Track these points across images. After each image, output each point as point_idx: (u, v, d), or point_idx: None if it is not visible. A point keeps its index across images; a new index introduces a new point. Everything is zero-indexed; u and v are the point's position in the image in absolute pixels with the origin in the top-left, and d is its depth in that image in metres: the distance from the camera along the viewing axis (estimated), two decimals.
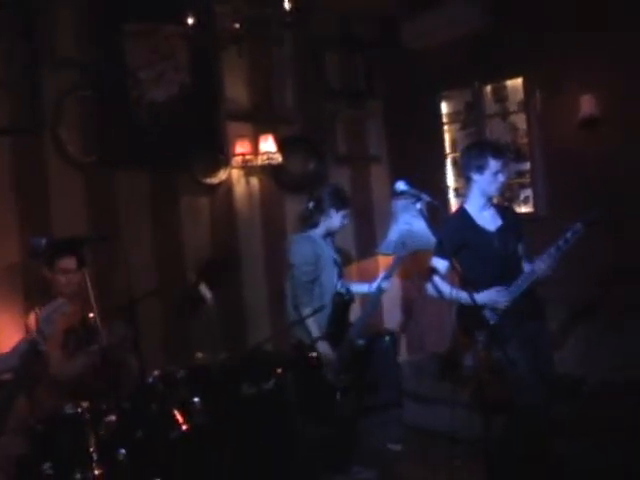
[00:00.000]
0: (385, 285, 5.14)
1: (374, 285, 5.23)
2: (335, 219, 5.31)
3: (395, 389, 6.63)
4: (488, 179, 4.55)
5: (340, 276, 5.35)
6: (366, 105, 7.39)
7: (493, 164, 4.51)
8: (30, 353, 2.76)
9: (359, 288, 5.49)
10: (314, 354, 5.00)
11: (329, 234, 5.37)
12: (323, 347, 5.03)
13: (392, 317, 7.36)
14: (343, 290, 5.26)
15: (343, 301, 5.24)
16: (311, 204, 5.32)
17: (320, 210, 5.29)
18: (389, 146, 7.51)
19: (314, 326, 5.05)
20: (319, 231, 5.30)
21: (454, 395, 5.09)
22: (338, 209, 5.30)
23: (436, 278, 4.58)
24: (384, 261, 7.31)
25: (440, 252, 4.51)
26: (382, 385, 6.48)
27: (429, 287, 4.63)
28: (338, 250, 5.50)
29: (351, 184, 7.20)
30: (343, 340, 5.11)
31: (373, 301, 5.23)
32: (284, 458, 4.62)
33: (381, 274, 5.26)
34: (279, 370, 4.79)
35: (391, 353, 6.75)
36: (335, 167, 7.13)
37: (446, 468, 4.74)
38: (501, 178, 4.55)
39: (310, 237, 5.27)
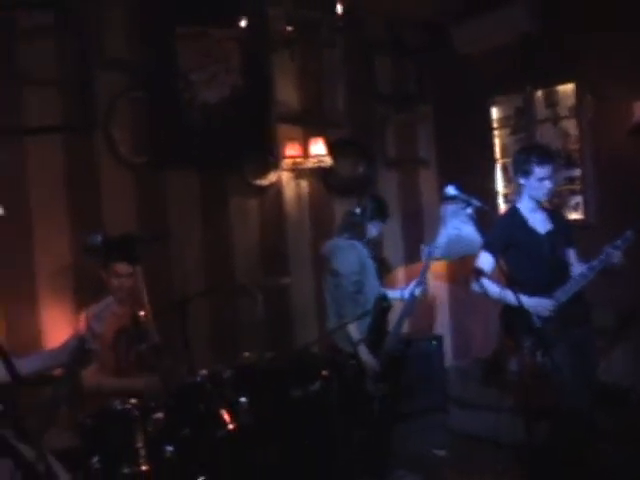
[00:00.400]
0: (418, 291, 5.11)
1: (407, 291, 5.21)
2: (376, 228, 5.30)
3: (440, 394, 6.62)
4: (534, 185, 4.55)
5: (381, 283, 5.35)
6: (416, 109, 7.39)
7: (538, 171, 4.50)
8: (79, 350, 2.79)
9: (393, 295, 5.46)
10: (353, 362, 5.00)
11: (369, 242, 5.36)
12: (363, 352, 5.02)
13: (439, 322, 7.34)
14: (384, 297, 5.25)
15: (383, 308, 5.22)
16: (358, 211, 5.30)
17: (365, 218, 5.28)
18: (439, 150, 7.49)
19: (355, 331, 5.03)
20: (364, 239, 5.31)
21: (499, 400, 5.06)
22: (379, 218, 5.30)
23: (483, 277, 4.57)
24: (432, 266, 7.29)
25: (487, 248, 4.49)
26: (427, 390, 6.48)
27: (474, 285, 4.61)
28: (376, 257, 5.49)
29: (400, 188, 7.21)
30: (382, 348, 5.09)
31: (407, 307, 5.19)
32: (326, 460, 4.63)
33: (414, 281, 5.24)
34: (325, 372, 4.81)
35: (437, 357, 6.75)
36: (384, 171, 7.14)
37: (490, 473, 4.72)
38: (547, 185, 4.53)
39: (355, 245, 5.22)
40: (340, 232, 5.34)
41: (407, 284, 5.43)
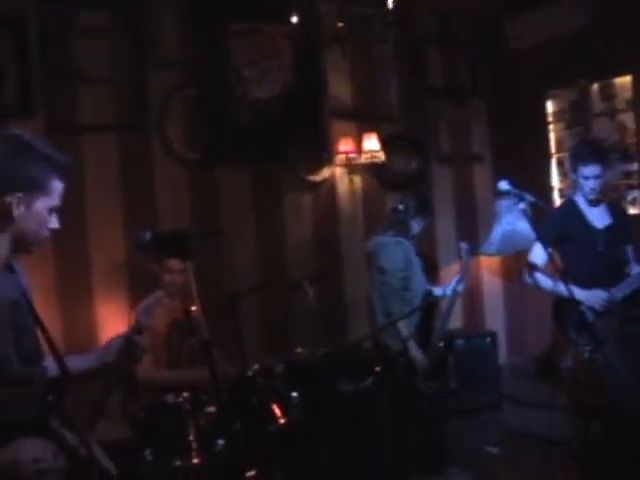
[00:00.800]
0: (460, 287, 5.09)
1: (449, 288, 5.20)
2: (417, 225, 5.29)
3: (494, 391, 6.57)
4: (579, 182, 4.54)
5: (427, 280, 5.34)
6: (470, 104, 7.32)
7: (582, 169, 4.48)
8: (125, 349, 2.83)
9: (436, 292, 5.44)
10: (402, 359, 5.00)
11: (413, 238, 5.35)
12: (413, 348, 5.01)
13: (493, 318, 7.27)
14: (430, 294, 5.24)
15: (430, 304, 5.22)
16: (401, 207, 5.29)
17: (410, 215, 5.27)
18: (493, 145, 7.42)
19: (404, 328, 5.02)
20: (408, 236, 5.29)
21: (552, 398, 5.00)
22: (422, 215, 5.29)
23: (536, 269, 4.54)
24: (486, 262, 7.25)
25: (540, 240, 4.43)
26: (481, 387, 6.43)
27: (527, 277, 4.57)
28: (422, 253, 5.48)
29: (454, 184, 7.16)
30: (429, 345, 5.08)
31: (449, 304, 5.18)
32: (377, 456, 4.63)
33: (455, 277, 5.22)
34: (376, 369, 4.81)
35: (491, 354, 6.70)
36: (438, 166, 7.10)
37: (542, 471, 4.66)
38: (591, 184, 4.49)
39: (401, 242, 5.21)
40: (385, 230, 5.33)
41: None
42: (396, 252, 5.17)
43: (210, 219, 5.80)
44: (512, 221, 6.61)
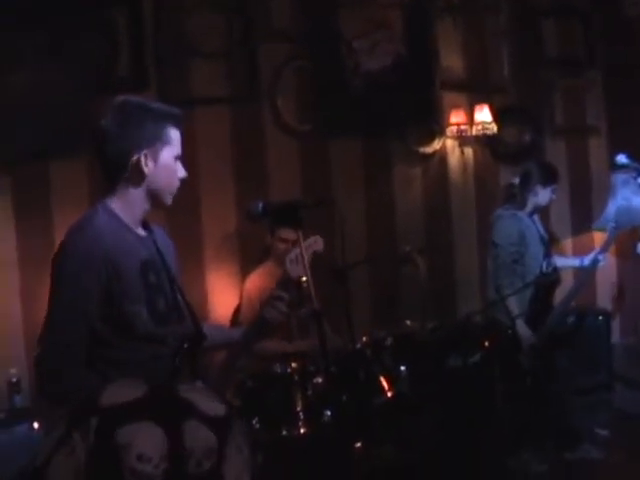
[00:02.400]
0: (601, 258, 4.95)
1: (588, 258, 5.07)
2: (542, 195, 5.15)
3: (606, 372, 6.40)
4: None
5: (547, 255, 5.21)
6: (585, 74, 7.09)
7: None
8: (257, 329, 2.89)
9: (571, 262, 5.31)
10: (511, 335, 4.92)
11: (535, 211, 5.22)
12: (521, 326, 4.92)
13: (606, 297, 7.08)
14: (549, 270, 5.11)
15: (548, 282, 5.09)
16: (517, 180, 5.19)
17: (526, 186, 5.15)
18: (609, 117, 7.17)
19: (514, 305, 4.94)
20: (526, 209, 5.17)
21: None
22: (545, 184, 5.14)
23: None
24: (600, 237, 7.04)
25: None
26: (592, 367, 6.28)
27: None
28: (545, 228, 5.36)
29: (568, 157, 6.97)
30: (544, 323, 4.98)
31: (585, 276, 5.04)
32: (483, 433, 4.58)
33: (597, 249, 5.08)
34: (486, 344, 4.74)
35: (604, 334, 6.52)
36: (551, 138, 6.91)
37: None
38: None
39: (516, 215, 5.13)
40: (504, 202, 5.30)
41: (574, 255, 5.31)
42: (510, 226, 5.10)
43: (321, 190, 5.81)
44: (628, 196, 6.40)
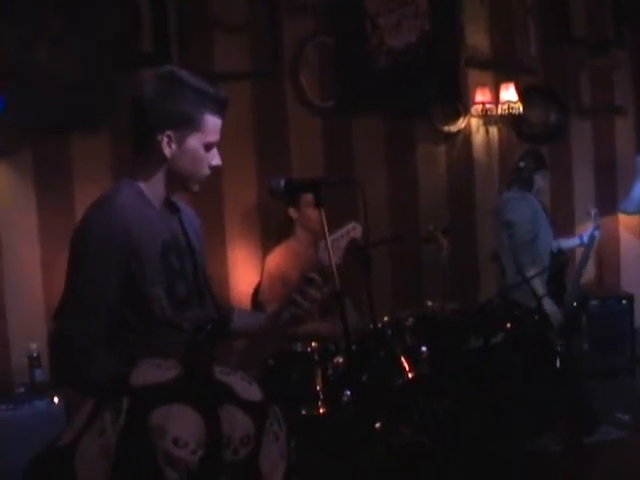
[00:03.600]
0: (597, 233, 5.08)
1: (585, 235, 5.18)
2: (540, 179, 5.33)
3: (628, 356, 6.35)
4: None
5: (554, 237, 5.28)
6: (613, 54, 6.99)
7: None
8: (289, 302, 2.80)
9: (572, 243, 5.42)
10: (536, 316, 4.92)
11: (539, 193, 5.36)
12: (549, 304, 4.94)
13: (631, 280, 7.00)
14: (560, 252, 5.18)
15: (559, 262, 5.14)
16: (522, 164, 5.25)
17: (532, 170, 5.27)
18: (637, 98, 7.07)
19: (539, 285, 4.96)
20: (533, 191, 5.27)
21: None
22: (544, 171, 5.35)
23: None
24: (624, 221, 6.96)
25: None
26: (614, 350, 6.23)
27: None
28: (546, 209, 5.42)
29: (594, 138, 6.88)
30: (561, 303, 5.01)
31: (586, 252, 5.14)
32: (504, 414, 4.55)
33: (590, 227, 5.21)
34: (508, 325, 4.71)
35: (627, 317, 6.46)
36: (578, 119, 6.82)
37: None
38: None
39: (526, 196, 5.24)
40: (510, 186, 5.39)
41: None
42: (522, 205, 5.20)
43: (343, 168, 5.78)
44: None
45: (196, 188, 2.63)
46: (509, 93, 6.19)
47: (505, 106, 6.19)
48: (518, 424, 4.55)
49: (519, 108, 6.23)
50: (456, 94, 6.21)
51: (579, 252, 5.69)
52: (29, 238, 4.97)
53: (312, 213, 4.71)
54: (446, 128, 6.22)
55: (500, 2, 6.41)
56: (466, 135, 6.33)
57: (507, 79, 6.27)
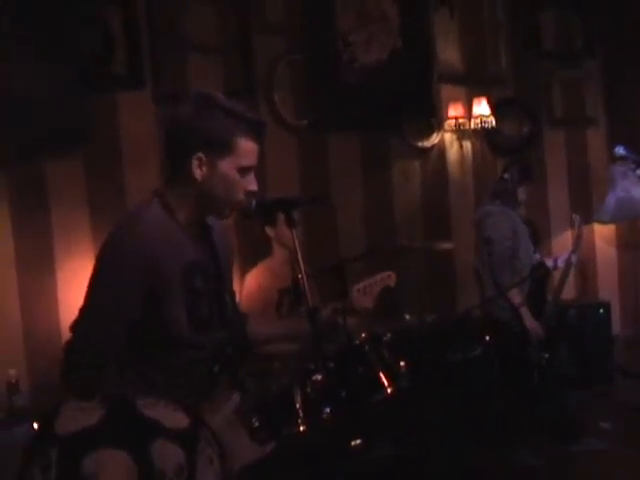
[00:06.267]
0: (573, 259, 5.02)
1: (561, 259, 5.14)
2: (523, 192, 5.26)
3: (606, 364, 6.39)
4: None
5: (534, 250, 5.26)
6: (583, 66, 7.07)
7: None
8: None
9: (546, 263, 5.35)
10: (515, 329, 4.93)
11: (519, 207, 5.31)
12: (527, 315, 4.94)
13: (607, 288, 7.06)
14: (541, 264, 5.16)
15: (540, 275, 5.13)
16: (506, 176, 5.23)
17: (515, 183, 5.21)
18: (608, 109, 7.14)
19: (517, 295, 4.96)
20: (514, 204, 5.23)
21: None
22: (528, 184, 5.28)
23: None
24: (600, 230, 7.02)
25: None
26: (593, 359, 6.27)
27: None
28: (529, 223, 5.40)
29: (566, 148, 6.96)
30: (542, 315, 5.01)
31: (563, 276, 5.11)
32: (482, 427, 4.56)
33: (568, 250, 5.15)
34: (487, 338, 4.73)
35: (604, 326, 6.51)
36: (550, 130, 6.89)
37: None
38: None
39: (505, 211, 5.19)
40: (491, 199, 5.30)
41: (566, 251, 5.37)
42: (502, 221, 5.14)
43: (318, 185, 5.79)
44: (627, 187, 6.39)
45: (229, 214, 2.60)
46: (481, 107, 6.25)
47: (478, 120, 6.26)
48: (498, 438, 4.56)
49: (492, 122, 6.29)
50: (429, 109, 6.25)
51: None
52: (6, 264, 4.94)
53: (287, 231, 4.71)
54: (420, 143, 6.26)
55: (470, 16, 6.48)
56: (440, 150, 6.38)
57: (479, 93, 6.34)
